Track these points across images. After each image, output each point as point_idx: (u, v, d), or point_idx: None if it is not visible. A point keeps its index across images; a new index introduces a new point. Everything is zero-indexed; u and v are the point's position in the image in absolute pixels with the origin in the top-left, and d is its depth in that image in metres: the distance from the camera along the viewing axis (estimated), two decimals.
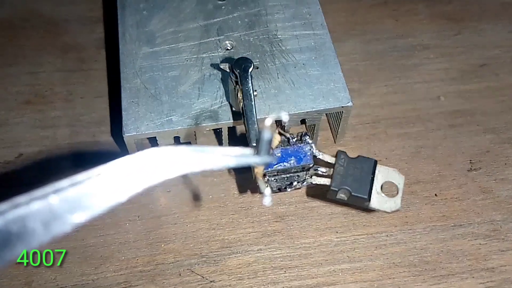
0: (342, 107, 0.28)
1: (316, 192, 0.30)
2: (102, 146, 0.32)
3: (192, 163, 0.14)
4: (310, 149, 0.25)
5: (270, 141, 0.16)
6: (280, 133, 0.25)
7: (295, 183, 0.25)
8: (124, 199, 0.14)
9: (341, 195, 0.25)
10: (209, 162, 0.15)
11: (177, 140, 0.29)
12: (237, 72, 0.27)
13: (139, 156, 0.14)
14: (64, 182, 0.13)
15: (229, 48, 0.31)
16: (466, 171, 0.31)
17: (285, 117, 0.16)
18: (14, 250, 0.13)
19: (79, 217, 0.13)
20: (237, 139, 0.32)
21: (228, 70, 0.28)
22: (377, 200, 0.25)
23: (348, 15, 0.39)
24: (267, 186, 0.17)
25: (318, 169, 0.25)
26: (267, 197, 0.17)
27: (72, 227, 0.14)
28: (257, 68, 0.29)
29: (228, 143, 0.30)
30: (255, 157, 0.16)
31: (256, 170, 0.17)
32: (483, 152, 0.32)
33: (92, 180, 0.13)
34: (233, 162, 0.15)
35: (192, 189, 0.30)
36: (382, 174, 0.26)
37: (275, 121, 0.31)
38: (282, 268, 0.27)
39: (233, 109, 0.28)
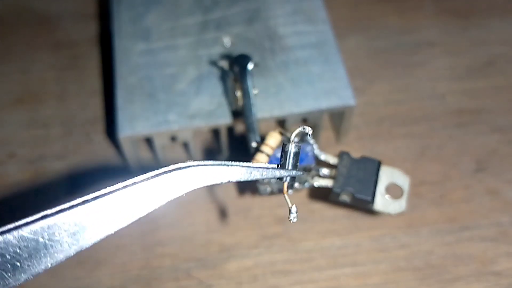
0: (345, 106, 0.27)
1: (318, 194, 0.29)
2: (97, 145, 0.31)
3: (220, 176, 0.15)
4: (311, 150, 0.25)
5: (297, 155, 0.16)
6: (281, 133, 0.24)
7: (296, 184, 0.25)
8: (144, 214, 0.15)
9: (344, 197, 0.25)
10: (236, 175, 0.16)
11: (174, 140, 0.28)
12: (236, 69, 0.26)
13: (164, 172, 0.15)
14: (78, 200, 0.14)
15: (227, 44, 0.30)
16: (473, 171, 0.30)
17: (309, 131, 0.17)
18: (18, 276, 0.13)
19: (98, 235, 0.13)
20: (236, 139, 0.31)
21: (226, 68, 0.27)
22: (381, 202, 0.25)
23: (351, 10, 0.38)
24: (291, 203, 0.17)
25: (320, 170, 0.25)
26: (293, 214, 0.17)
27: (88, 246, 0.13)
28: (257, 65, 0.28)
29: (227, 143, 0.29)
30: (281, 170, 0.16)
31: (284, 185, 0.17)
32: (490, 152, 0.31)
33: (111, 198, 0.14)
34: (259, 175, 0.16)
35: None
36: (386, 175, 0.25)
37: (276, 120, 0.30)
38: (283, 273, 0.27)
39: (232, 108, 0.27)
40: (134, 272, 0.27)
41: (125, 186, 0.14)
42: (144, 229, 0.28)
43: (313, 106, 0.27)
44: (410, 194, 0.29)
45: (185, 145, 0.31)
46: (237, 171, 0.16)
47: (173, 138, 0.28)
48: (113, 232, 0.14)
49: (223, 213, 0.29)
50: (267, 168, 0.16)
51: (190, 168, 0.15)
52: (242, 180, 0.16)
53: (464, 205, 0.29)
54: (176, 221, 0.28)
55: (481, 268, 0.27)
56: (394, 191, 0.25)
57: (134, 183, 0.14)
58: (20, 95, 0.34)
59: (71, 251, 0.13)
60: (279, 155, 0.24)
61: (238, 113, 0.27)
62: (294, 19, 0.31)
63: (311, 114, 0.28)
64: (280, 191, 0.25)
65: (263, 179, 0.17)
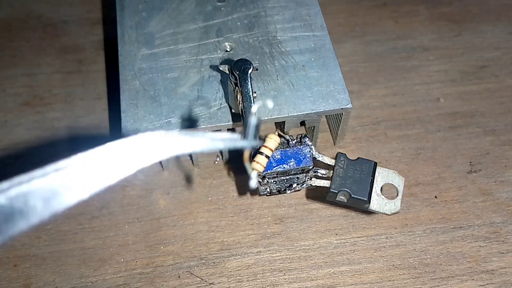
0: (342, 109, 0.28)
1: (316, 194, 0.30)
2: None
3: (182, 145, 0.16)
4: (309, 151, 0.25)
5: (256, 126, 0.17)
6: (279, 135, 0.25)
7: (294, 185, 0.25)
8: (113, 181, 0.15)
9: (341, 197, 0.25)
10: (198, 145, 0.16)
11: None
12: (236, 73, 0.27)
13: (130, 140, 0.15)
14: (60, 163, 0.14)
15: (228, 49, 0.31)
16: (466, 173, 0.31)
17: (270, 105, 0.18)
18: (13, 227, 0.13)
19: (75, 197, 0.14)
20: None
21: (227, 72, 0.28)
22: (377, 202, 0.25)
23: (348, 17, 0.39)
24: (253, 170, 0.19)
25: (318, 171, 0.26)
26: (253, 179, 0.19)
27: (68, 206, 0.14)
28: (257, 69, 0.28)
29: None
30: (242, 140, 0.17)
31: (244, 154, 0.19)
32: (483, 154, 0.32)
33: (82, 163, 0.15)
34: (221, 144, 0.17)
35: (191, 191, 0.30)
36: (382, 176, 0.26)
37: (275, 123, 0.31)
38: (282, 271, 0.27)
39: (233, 111, 0.28)
40: (137, 270, 0.27)
41: (88, 156, 0.15)
42: (148, 229, 0.29)
43: (311, 109, 0.28)
44: (405, 195, 0.29)
45: None
46: (200, 141, 0.16)
47: None
48: (79, 201, 0.14)
49: (223, 213, 0.29)
50: (230, 139, 0.17)
51: (155, 137, 0.15)
52: (205, 150, 0.16)
53: (457, 205, 0.30)
54: (178, 221, 0.29)
55: (475, 267, 0.27)
56: (389, 191, 0.26)
57: (99, 151, 0.15)
58: (27, 98, 0.34)
59: (45, 215, 0.14)
60: (278, 156, 0.25)
61: (238, 116, 0.28)
62: (292, 25, 0.32)
63: (309, 117, 0.28)
64: (279, 191, 0.26)
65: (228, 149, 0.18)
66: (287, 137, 0.26)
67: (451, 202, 0.30)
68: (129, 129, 0.27)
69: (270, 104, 0.18)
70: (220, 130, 0.28)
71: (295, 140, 0.26)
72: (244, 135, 0.17)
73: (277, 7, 0.33)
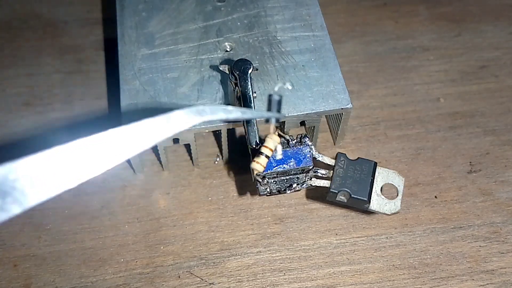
0: (342, 109, 0.28)
1: (316, 194, 0.30)
2: None
3: (217, 115, 0.17)
4: (309, 151, 0.25)
5: (279, 102, 0.21)
6: (279, 135, 0.25)
7: (294, 185, 0.25)
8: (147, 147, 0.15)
9: (341, 197, 0.25)
10: (231, 115, 0.18)
11: (176, 142, 0.29)
12: (236, 73, 0.27)
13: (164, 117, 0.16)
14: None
15: (228, 49, 0.31)
16: (466, 173, 0.31)
17: (289, 86, 0.21)
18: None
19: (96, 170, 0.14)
20: (237, 140, 0.32)
21: (227, 72, 0.28)
22: (377, 202, 0.25)
23: (348, 17, 0.39)
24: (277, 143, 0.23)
25: (318, 171, 0.26)
26: (279, 149, 0.22)
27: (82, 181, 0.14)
28: (257, 69, 0.29)
29: (227, 145, 0.30)
30: (269, 112, 0.20)
31: (270, 127, 0.22)
32: (483, 154, 0.32)
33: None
34: (251, 115, 0.20)
35: (191, 191, 0.30)
36: (382, 176, 0.26)
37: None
38: (282, 270, 0.27)
39: None
40: (137, 270, 0.27)
41: (119, 129, 0.15)
42: (148, 229, 0.29)
43: (311, 109, 0.28)
44: (405, 195, 0.29)
45: (187, 147, 0.32)
46: (233, 111, 0.18)
47: (175, 140, 0.29)
48: (111, 167, 0.14)
49: (223, 213, 0.29)
50: (257, 111, 0.20)
51: (192, 107, 0.16)
52: (237, 119, 0.18)
53: (457, 205, 0.30)
54: (178, 221, 0.29)
55: (475, 267, 0.27)
56: (389, 191, 0.26)
57: (129, 125, 0.15)
58: (27, 98, 0.34)
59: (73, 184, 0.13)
60: (278, 156, 0.25)
61: None
62: (292, 25, 0.32)
63: (309, 117, 0.28)
64: (279, 191, 0.26)
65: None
66: (287, 137, 0.26)
67: (451, 202, 0.30)
68: None
69: (289, 86, 0.21)
70: (220, 130, 0.29)
71: (295, 140, 0.26)
72: (270, 109, 0.21)
73: (277, 7, 0.33)
